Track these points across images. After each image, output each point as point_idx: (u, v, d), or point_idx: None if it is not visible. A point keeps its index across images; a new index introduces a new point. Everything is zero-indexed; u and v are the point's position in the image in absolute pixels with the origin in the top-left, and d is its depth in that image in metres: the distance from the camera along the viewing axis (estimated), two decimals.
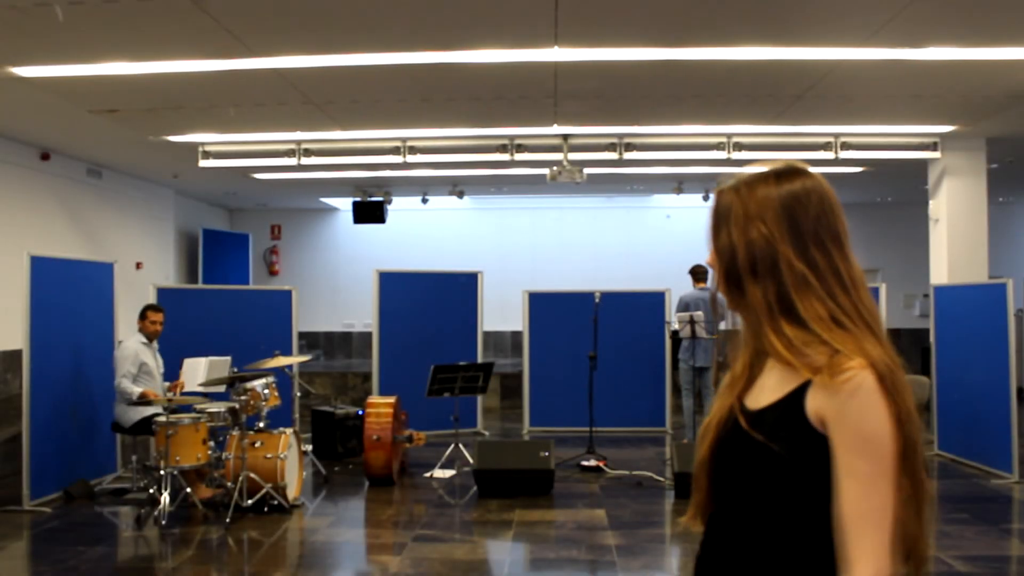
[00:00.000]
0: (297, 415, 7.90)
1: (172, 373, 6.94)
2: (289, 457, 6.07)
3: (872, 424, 1.20)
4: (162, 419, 5.86)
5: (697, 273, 8.62)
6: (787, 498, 1.27)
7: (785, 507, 1.28)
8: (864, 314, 1.29)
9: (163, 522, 5.60)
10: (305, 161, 8.65)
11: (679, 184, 11.09)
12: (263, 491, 5.90)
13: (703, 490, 1.42)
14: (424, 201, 12.34)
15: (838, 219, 1.34)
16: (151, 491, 6.03)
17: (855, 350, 1.23)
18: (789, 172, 1.38)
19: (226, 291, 9.62)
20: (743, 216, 1.36)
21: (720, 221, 1.40)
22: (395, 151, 8.55)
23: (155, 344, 6.74)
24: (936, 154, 8.37)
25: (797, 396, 1.27)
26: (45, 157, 8.80)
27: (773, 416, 1.30)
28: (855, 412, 1.20)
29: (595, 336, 7.78)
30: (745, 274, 1.35)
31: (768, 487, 1.29)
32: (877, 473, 1.19)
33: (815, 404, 1.25)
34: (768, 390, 1.34)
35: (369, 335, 10.38)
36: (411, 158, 8.58)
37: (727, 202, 1.40)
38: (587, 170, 8.54)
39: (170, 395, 6.42)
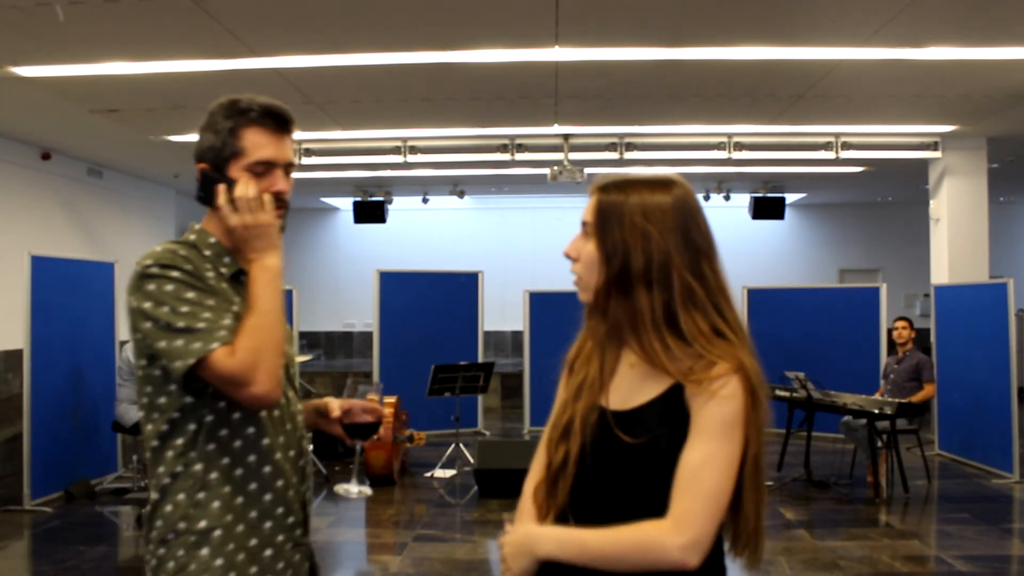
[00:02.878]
0: None
1: None
2: None
3: (728, 415, 1.30)
4: None
5: None
6: (663, 485, 1.32)
7: (662, 494, 1.32)
8: (740, 325, 1.37)
9: None
10: (306, 161, 8.66)
11: None
12: None
13: (564, 494, 1.41)
14: (425, 201, 12.33)
15: (711, 233, 1.41)
16: None
17: (731, 357, 1.32)
18: (668, 181, 1.43)
19: None
20: (642, 219, 1.37)
21: (611, 219, 1.39)
22: (396, 151, 8.55)
23: None
24: (937, 154, 8.37)
25: (675, 393, 1.34)
26: (45, 157, 8.80)
27: (653, 413, 1.35)
28: (717, 402, 1.30)
29: None
30: (638, 281, 1.36)
31: (649, 476, 1.34)
32: (718, 454, 1.29)
33: (690, 396, 1.33)
34: (637, 392, 1.38)
35: (369, 335, 10.39)
36: (412, 158, 8.59)
37: (617, 201, 1.39)
38: (587, 170, 8.54)
39: None
